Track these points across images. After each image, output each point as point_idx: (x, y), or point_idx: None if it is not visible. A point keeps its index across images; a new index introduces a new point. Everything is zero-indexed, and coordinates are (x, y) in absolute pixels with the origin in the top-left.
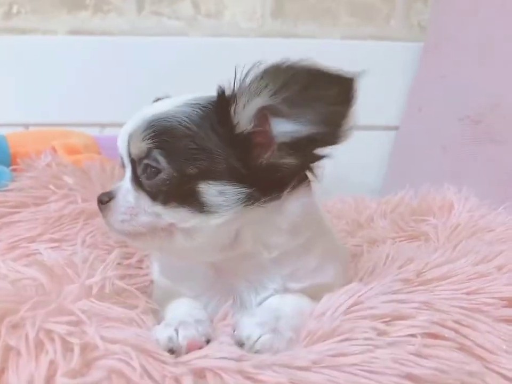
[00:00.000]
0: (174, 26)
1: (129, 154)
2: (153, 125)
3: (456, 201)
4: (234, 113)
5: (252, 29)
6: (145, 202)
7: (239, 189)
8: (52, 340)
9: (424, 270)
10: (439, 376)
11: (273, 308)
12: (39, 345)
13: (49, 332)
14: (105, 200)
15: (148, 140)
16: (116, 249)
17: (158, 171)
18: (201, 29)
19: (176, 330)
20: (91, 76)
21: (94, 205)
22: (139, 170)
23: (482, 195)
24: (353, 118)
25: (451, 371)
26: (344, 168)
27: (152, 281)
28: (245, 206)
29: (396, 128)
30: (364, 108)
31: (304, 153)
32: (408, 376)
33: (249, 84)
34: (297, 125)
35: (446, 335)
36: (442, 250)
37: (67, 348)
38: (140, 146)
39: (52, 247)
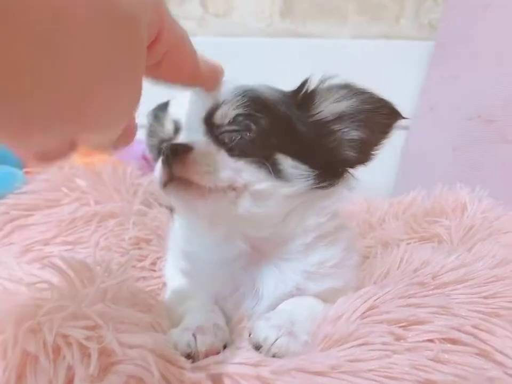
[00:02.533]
0: (183, 26)
1: (210, 118)
2: (244, 94)
3: (469, 202)
4: (318, 104)
5: (260, 29)
6: (227, 157)
7: (309, 168)
8: (69, 344)
9: (440, 273)
10: (458, 382)
11: (288, 311)
12: (57, 351)
13: (66, 337)
14: (181, 150)
15: (239, 107)
16: (130, 251)
17: (244, 134)
18: (210, 29)
19: (194, 336)
20: None
21: (107, 207)
22: (218, 132)
23: (494, 196)
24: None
25: (471, 377)
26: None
27: (164, 284)
28: (313, 184)
29: (406, 128)
30: None
31: (361, 152)
32: (427, 382)
33: (339, 89)
34: (356, 132)
35: (465, 340)
36: (458, 253)
37: (84, 353)
38: (229, 113)
39: (65, 250)
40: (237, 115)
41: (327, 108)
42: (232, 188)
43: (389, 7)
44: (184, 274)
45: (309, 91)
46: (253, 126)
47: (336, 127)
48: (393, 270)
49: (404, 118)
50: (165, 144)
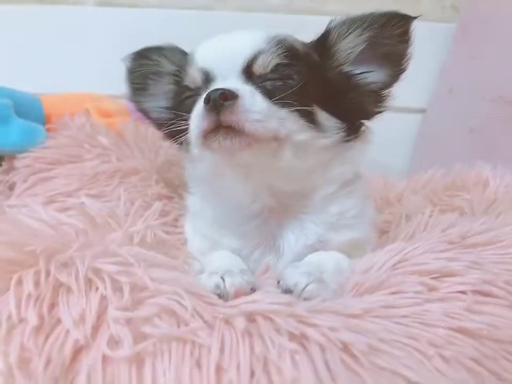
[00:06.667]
0: (201, 0)
1: (249, 68)
2: (281, 44)
3: (491, 177)
4: (334, 45)
5: (280, 5)
6: (272, 106)
7: (339, 122)
8: (102, 278)
9: (468, 235)
10: (490, 331)
11: (315, 262)
12: (89, 283)
13: (98, 271)
14: (230, 97)
15: (279, 56)
16: (155, 202)
17: (286, 83)
18: (229, 4)
19: (223, 278)
20: (118, 47)
21: (129, 164)
22: (259, 81)
23: None
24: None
25: (502, 327)
26: (370, 150)
27: (186, 240)
28: (343, 137)
29: (423, 110)
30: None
31: (382, 99)
32: (460, 330)
33: (342, 24)
34: (376, 72)
35: (496, 294)
36: (484, 219)
37: (116, 287)
38: (270, 62)
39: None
40: (278, 64)
41: (343, 46)
42: (275, 138)
43: None
44: (204, 237)
45: (324, 35)
46: (295, 76)
47: (357, 69)
48: (419, 232)
49: (415, 18)
50: (210, 90)
